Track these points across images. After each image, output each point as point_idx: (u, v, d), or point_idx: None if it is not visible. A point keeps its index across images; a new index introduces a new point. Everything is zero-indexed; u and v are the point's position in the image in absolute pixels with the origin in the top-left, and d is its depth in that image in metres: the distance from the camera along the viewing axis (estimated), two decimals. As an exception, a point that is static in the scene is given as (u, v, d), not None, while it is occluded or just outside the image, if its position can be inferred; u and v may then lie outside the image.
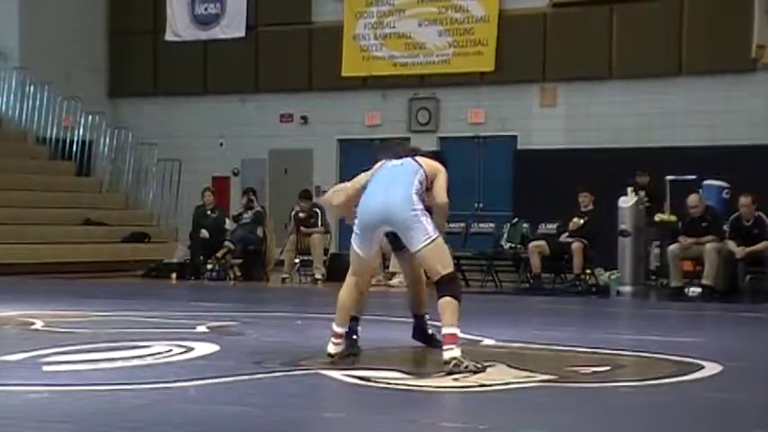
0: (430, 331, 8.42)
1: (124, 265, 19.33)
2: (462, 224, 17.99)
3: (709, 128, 18.15)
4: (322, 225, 17.92)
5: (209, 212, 18.84)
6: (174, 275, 18.40)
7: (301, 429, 5.75)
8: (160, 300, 14.08)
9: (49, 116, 22.13)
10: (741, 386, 7.13)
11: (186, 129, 22.24)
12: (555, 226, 16.64)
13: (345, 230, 20.97)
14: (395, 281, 15.88)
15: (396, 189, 7.50)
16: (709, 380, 7.23)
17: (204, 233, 18.47)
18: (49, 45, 21.63)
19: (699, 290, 14.80)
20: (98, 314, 11.37)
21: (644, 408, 6.34)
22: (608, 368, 7.77)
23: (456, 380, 7.01)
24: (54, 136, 22.12)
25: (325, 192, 21.11)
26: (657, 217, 16.07)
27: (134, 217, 21.63)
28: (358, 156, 20.81)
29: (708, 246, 14.89)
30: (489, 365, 7.55)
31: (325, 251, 18.07)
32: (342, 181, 22.35)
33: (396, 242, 7.92)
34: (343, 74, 20.89)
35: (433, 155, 8.14)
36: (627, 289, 15.57)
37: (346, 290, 7.78)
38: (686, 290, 14.99)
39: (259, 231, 18.51)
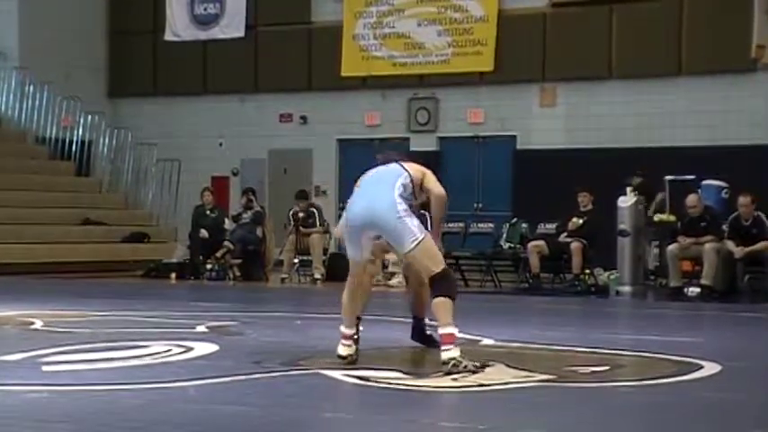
0: (428, 332, 8.43)
1: (123, 265, 19.32)
2: (461, 224, 17.99)
3: (708, 128, 18.15)
4: (320, 225, 17.94)
5: (208, 212, 18.84)
6: (173, 275, 18.40)
7: (301, 429, 5.75)
8: (159, 300, 14.08)
9: (48, 116, 22.13)
10: (740, 386, 7.13)
11: (186, 129, 22.24)
12: (554, 226, 16.65)
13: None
14: (394, 281, 15.88)
15: (379, 193, 7.51)
16: (708, 380, 7.23)
17: (203, 233, 18.48)
18: (49, 45, 21.63)
19: (698, 290, 14.80)
20: (97, 314, 11.38)
21: (643, 407, 6.35)
22: (607, 368, 7.77)
23: (455, 380, 7.01)
24: (53, 136, 22.12)
25: (324, 192, 21.30)
26: (657, 217, 16.08)
27: (133, 217, 21.62)
28: (357, 156, 20.82)
29: (707, 246, 14.89)
30: (488, 365, 7.56)
31: (325, 251, 18.08)
32: (341, 180, 22.43)
33: None
34: (343, 74, 20.89)
35: (416, 157, 8.17)
36: (626, 289, 15.57)
37: (348, 291, 7.81)
38: (685, 290, 15.00)
39: (258, 231, 18.51)
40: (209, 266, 18.32)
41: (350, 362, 7.54)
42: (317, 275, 17.55)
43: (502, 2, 19.86)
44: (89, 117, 22.15)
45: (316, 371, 7.41)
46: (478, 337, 9.15)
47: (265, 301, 15.15)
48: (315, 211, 18.03)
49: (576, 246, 15.86)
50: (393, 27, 20.66)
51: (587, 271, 16.05)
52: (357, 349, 7.88)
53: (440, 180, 7.83)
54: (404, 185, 7.56)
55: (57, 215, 20.24)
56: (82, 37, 22.44)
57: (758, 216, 14.96)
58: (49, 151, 22.16)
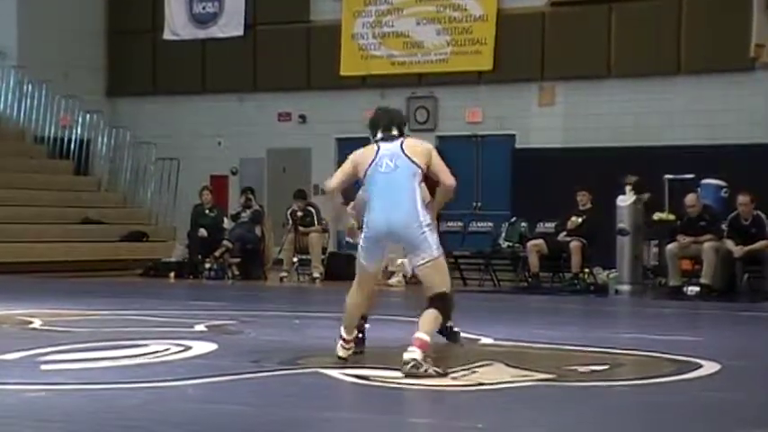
0: (449, 324, 8.41)
1: (122, 264, 19.31)
2: (460, 223, 17.98)
3: (707, 127, 18.14)
4: (319, 224, 17.94)
5: (207, 211, 18.84)
6: (172, 274, 18.40)
7: (299, 428, 5.74)
8: (158, 299, 14.08)
9: (47, 115, 22.10)
10: (739, 385, 7.13)
11: (184, 128, 22.22)
12: (553, 225, 16.65)
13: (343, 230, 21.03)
14: (394, 280, 15.87)
15: (400, 203, 7.36)
16: (707, 379, 7.23)
17: (202, 232, 18.47)
18: (48, 44, 21.60)
19: (697, 289, 14.79)
20: (96, 313, 11.37)
21: (642, 406, 6.34)
22: (606, 367, 7.76)
23: (454, 379, 7.01)
24: (52, 135, 22.09)
25: (323, 191, 21.24)
26: (656, 216, 16.07)
27: (132, 216, 21.61)
28: (356, 155, 20.83)
29: (706, 245, 14.89)
30: (487, 364, 7.56)
31: (324, 250, 18.08)
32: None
33: None
34: (342, 73, 20.87)
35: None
36: (625, 288, 15.57)
37: (351, 296, 7.71)
38: (684, 289, 14.98)
39: (257, 230, 18.51)
40: (207, 265, 18.31)
41: (348, 362, 7.50)
42: (316, 274, 17.55)
43: (501, 1, 19.84)
44: (88, 116, 22.12)
45: (314, 370, 7.40)
46: (478, 336, 9.15)
47: (264, 300, 15.15)
48: (313, 210, 18.02)
49: (575, 245, 15.86)
50: (392, 26, 20.64)
51: (586, 270, 16.05)
52: (362, 348, 7.84)
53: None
54: (420, 183, 7.45)
55: (55, 214, 20.22)
56: (81, 36, 22.42)
57: (757, 215, 14.96)
58: (47, 150, 22.14)
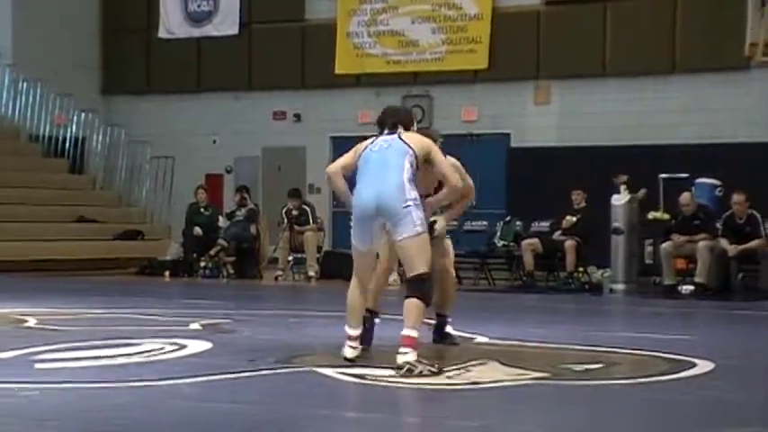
0: (448, 328, 8.43)
1: (117, 263, 19.30)
2: (455, 222, 17.95)
3: (702, 126, 18.15)
4: (314, 222, 17.95)
5: (202, 210, 18.84)
6: (167, 273, 18.39)
7: (295, 427, 5.75)
8: (153, 297, 14.07)
9: (42, 113, 22.08)
10: (733, 384, 7.14)
11: (179, 126, 22.20)
12: (548, 224, 16.67)
13: (339, 228, 21.06)
14: (390, 278, 15.85)
15: (387, 176, 7.34)
16: (701, 377, 7.24)
17: (197, 231, 18.48)
18: (43, 42, 21.58)
19: (691, 287, 14.82)
20: (91, 312, 11.36)
21: (636, 405, 6.35)
22: (601, 365, 7.78)
23: (449, 377, 7.01)
24: (47, 133, 22.07)
25: (318, 189, 21.26)
26: (651, 215, 16.09)
27: (127, 214, 21.60)
28: (351, 153, 20.82)
29: (700, 244, 14.91)
30: (482, 363, 7.56)
31: (319, 249, 18.09)
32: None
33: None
34: (337, 71, 20.87)
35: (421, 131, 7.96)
36: (619, 287, 15.59)
37: (352, 291, 7.63)
38: (679, 287, 15.01)
39: (252, 229, 18.51)
40: (202, 264, 18.31)
41: (354, 363, 7.42)
42: (311, 273, 17.56)
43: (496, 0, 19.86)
44: (83, 114, 22.10)
45: (310, 368, 7.40)
46: (473, 335, 9.16)
47: (259, 299, 15.15)
48: (308, 208, 18.03)
49: (569, 244, 15.88)
50: (387, 25, 20.64)
51: (581, 269, 16.07)
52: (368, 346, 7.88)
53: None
54: (411, 164, 7.36)
55: (50, 212, 20.20)
56: (76, 34, 22.39)
57: (752, 214, 14.98)
58: (42, 149, 22.12)
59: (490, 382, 6.89)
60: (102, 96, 23.09)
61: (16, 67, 21.86)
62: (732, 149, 17.29)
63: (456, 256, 16.78)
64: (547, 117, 19.61)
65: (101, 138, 22.26)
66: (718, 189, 16.00)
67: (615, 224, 15.66)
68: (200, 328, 9.83)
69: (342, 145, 20.96)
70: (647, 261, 16.19)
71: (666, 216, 15.89)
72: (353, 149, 7.73)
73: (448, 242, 8.50)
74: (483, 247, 17.60)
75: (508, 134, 19.93)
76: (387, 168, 7.38)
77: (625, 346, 8.75)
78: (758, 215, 14.97)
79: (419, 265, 7.27)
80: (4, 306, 11.59)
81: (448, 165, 7.68)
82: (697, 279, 14.81)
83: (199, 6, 22.27)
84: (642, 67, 18.68)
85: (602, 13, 19.09)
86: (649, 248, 16.16)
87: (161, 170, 21.75)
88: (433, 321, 8.53)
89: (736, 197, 15.01)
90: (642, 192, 15.80)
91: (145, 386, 6.68)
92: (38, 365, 7.47)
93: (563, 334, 9.63)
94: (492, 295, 15.60)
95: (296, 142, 21.48)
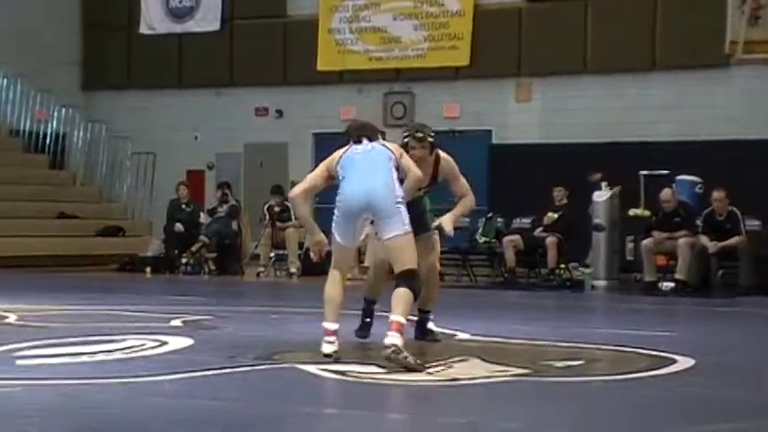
0: (429, 325, 8.47)
1: (98, 259, 19.25)
2: (466, 219, 17.98)
3: (682, 123, 18.23)
4: (296, 219, 17.93)
5: (183, 206, 18.81)
6: (148, 269, 18.35)
7: (276, 423, 5.74)
8: (134, 294, 14.05)
9: (22, 109, 22.00)
10: (713, 380, 7.17)
11: (161, 122, 22.15)
12: (529, 220, 16.69)
13: (321, 225, 21.01)
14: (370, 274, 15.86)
15: (377, 176, 7.53)
16: (681, 374, 7.27)
17: (179, 227, 18.45)
18: (23, 37, 21.48)
19: (672, 284, 14.87)
20: (72, 308, 11.33)
21: (617, 401, 6.38)
22: (582, 362, 7.80)
23: (430, 374, 7.02)
24: (28, 129, 22.00)
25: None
26: (632, 212, 16.14)
27: (108, 210, 21.55)
28: (333, 150, 20.78)
29: (681, 240, 14.96)
30: (463, 359, 7.58)
31: (300, 245, 18.07)
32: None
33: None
34: (319, 68, 20.86)
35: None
36: (601, 283, 15.64)
37: (331, 284, 7.69)
38: (659, 284, 15.06)
39: (234, 225, 18.50)
40: (184, 260, 18.28)
41: (335, 359, 7.42)
42: (293, 269, 17.56)
43: (478, -3, 19.89)
44: (64, 110, 22.04)
45: (291, 365, 7.40)
46: (454, 332, 9.17)
47: (241, 296, 15.13)
48: (290, 205, 18.01)
49: (551, 240, 15.91)
50: (369, 21, 20.64)
51: (562, 265, 16.10)
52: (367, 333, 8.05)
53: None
54: (396, 167, 7.61)
55: (31, 208, 20.13)
56: (56, 29, 22.30)
57: (732, 211, 15.04)
58: (23, 144, 22.04)
59: (472, 378, 6.90)
60: (82, 92, 23.01)
61: (-3, 62, 21.78)
62: (712, 147, 17.36)
63: (438, 252, 16.96)
64: (528, 114, 19.65)
65: (81, 133, 22.20)
66: (699, 186, 16.06)
67: (596, 221, 15.71)
68: (181, 324, 9.81)
69: (324, 141, 21.08)
70: (629, 258, 16.25)
71: (647, 213, 15.94)
72: (323, 165, 7.85)
73: (436, 238, 8.53)
74: (464, 243, 17.61)
75: (490, 131, 19.97)
76: (374, 168, 7.58)
77: (606, 343, 8.78)
78: (738, 212, 15.03)
79: (408, 261, 7.44)
80: (-16, 302, 11.54)
81: (413, 163, 7.84)
82: (677, 276, 14.87)
83: (180, 2, 22.22)
84: (623, 64, 18.74)
85: (583, 10, 19.14)
86: (630, 245, 16.22)
87: (142, 166, 21.71)
88: (416, 318, 8.54)
89: (716, 194, 15.07)
90: (599, 175, 15.83)
91: (126, 383, 6.66)
92: (19, 362, 7.44)
93: (544, 330, 9.65)
94: (473, 292, 15.62)
95: (278, 138, 21.46)
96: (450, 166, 8.39)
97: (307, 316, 10.30)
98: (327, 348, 7.50)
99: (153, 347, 8.15)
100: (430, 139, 8.27)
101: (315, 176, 7.88)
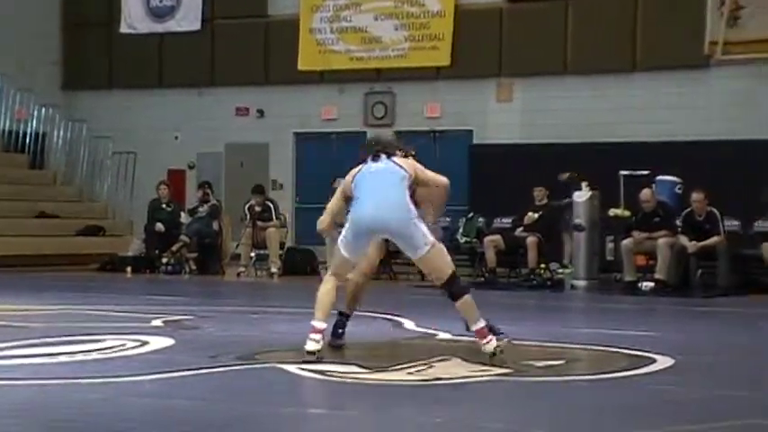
0: (340, 331, 8.23)
1: (79, 259, 19.18)
2: (448, 218, 18.00)
3: (662, 123, 18.29)
4: (277, 219, 17.95)
5: (164, 206, 18.77)
6: (129, 269, 18.30)
7: (256, 423, 5.75)
8: (115, 293, 14.01)
9: (1, 108, 21.90)
10: (692, 380, 7.21)
11: (141, 122, 22.09)
12: (510, 220, 16.72)
13: (301, 225, 21.04)
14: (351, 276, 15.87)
15: (389, 195, 7.60)
16: (661, 373, 7.31)
17: (159, 227, 18.41)
18: (3, 37, 21.38)
19: (651, 284, 14.92)
20: (52, 308, 11.30)
21: (598, 401, 6.40)
22: (562, 362, 7.83)
23: (410, 374, 7.04)
24: (7, 128, 21.90)
25: (281, 186, 21.21)
26: (611, 212, 16.19)
27: (89, 210, 21.48)
28: (314, 149, 20.83)
29: (660, 240, 15.02)
30: (444, 359, 7.60)
31: (281, 245, 18.08)
32: (298, 174, 22.33)
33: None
34: (300, 68, 20.84)
35: (402, 147, 8.20)
36: (581, 283, 15.68)
37: (326, 288, 7.73)
38: (639, 284, 15.11)
39: (215, 225, 18.47)
40: (164, 260, 18.24)
41: (318, 359, 7.39)
42: (274, 269, 17.54)
43: (459, -3, 19.91)
44: (43, 109, 21.96)
45: (272, 365, 7.41)
46: (435, 332, 9.19)
47: (221, 295, 15.12)
48: (271, 204, 18.02)
49: (531, 240, 15.94)
50: (350, 21, 20.64)
51: (543, 265, 16.13)
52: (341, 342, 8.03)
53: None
54: (409, 187, 7.71)
55: (10, 208, 20.05)
56: (36, 29, 22.21)
57: (711, 211, 15.11)
58: (2, 143, 21.95)
59: (453, 378, 6.92)
60: (63, 91, 22.93)
61: (-24, 61, 21.68)
62: (692, 147, 17.42)
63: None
64: (509, 114, 19.69)
65: (62, 133, 22.12)
66: (678, 186, 16.11)
67: (577, 221, 15.75)
68: (161, 324, 9.80)
69: (305, 141, 21.09)
70: (609, 257, 16.30)
71: (627, 213, 15.98)
72: (339, 191, 7.95)
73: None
74: (445, 243, 17.58)
75: (471, 131, 20.00)
76: (386, 187, 7.66)
77: (586, 343, 8.81)
78: (717, 212, 15.09)
79: (447, 270, 7.70)
80: (-37, 302, 11.50)
81: (429, 172, 7.99)
82: (657, 276, 14.92)
83: (161, 2, 22.16)
84: (603, 65, 18.80)
85: (563, 11, 19.19)
86: (610, 245, 16.27)
87: (123, 166, 21.66)
88: (336, 315, 8.21)
89: (696, 195, 15.13)
90: (567, 174, 15.85)
91: (106, 383, 6.65)
92: (-2, 362, 7.42)
93: (525, 330, 9.67)
94: (454, 292, 15.60)
95: (259, 138, 21.43)
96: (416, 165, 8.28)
97: (288, 316, 10.31)
98: (311, 346, 7.47)
99: (134, 347, 8.14)
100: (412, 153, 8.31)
101: (334, 204, 8.00)
